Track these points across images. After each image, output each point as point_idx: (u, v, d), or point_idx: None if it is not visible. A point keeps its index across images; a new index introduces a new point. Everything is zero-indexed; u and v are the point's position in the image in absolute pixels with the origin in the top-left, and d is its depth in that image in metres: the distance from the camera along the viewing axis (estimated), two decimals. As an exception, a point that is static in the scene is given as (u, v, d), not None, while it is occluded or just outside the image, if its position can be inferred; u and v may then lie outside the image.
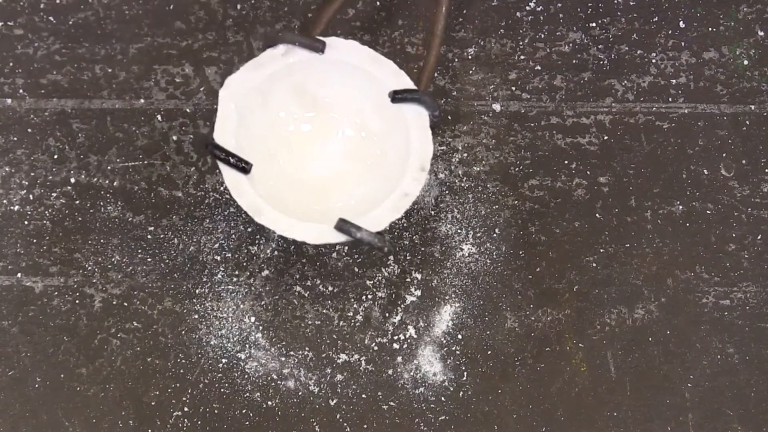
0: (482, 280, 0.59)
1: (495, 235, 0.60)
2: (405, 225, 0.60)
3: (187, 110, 0.62)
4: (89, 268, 0.59)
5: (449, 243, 0.59)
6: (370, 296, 0.58)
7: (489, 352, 0.57)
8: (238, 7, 0.65)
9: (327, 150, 0.55)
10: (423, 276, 0.59)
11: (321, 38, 0.53)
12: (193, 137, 0.62)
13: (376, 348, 0.57)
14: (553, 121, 0.62)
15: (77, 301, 0.58)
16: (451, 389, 0.57)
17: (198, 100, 0.63)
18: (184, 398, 0.56)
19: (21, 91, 0.63)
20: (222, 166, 0.50)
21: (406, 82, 0.53)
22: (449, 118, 0.62)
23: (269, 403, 0.56)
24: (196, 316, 0.58)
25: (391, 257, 0.59)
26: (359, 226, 0.49)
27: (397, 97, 0.52)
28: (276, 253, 0.59)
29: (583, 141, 0.62)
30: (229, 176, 0.50)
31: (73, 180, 0.61)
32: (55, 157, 0.61)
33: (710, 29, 0.64)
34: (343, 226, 0.49)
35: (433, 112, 0.52)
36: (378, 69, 0.53)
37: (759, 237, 0.60)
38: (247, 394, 0.57)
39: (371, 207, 0.51)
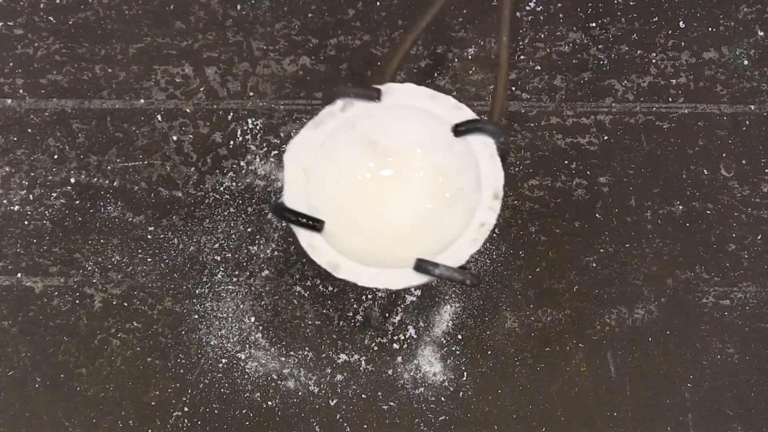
0: (482, 280, 0.59)
1: (495, 235, 0.60)
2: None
3: (187, 110, 0.62)
4: (89, 268, 0.59)
5: (449, 243, 0.59)
6: (370, 296, 0.58)
7: (489, 352, 0.57)
8: (238, 7, 0.65)
9: (404, 196, 0.54)
10: (423, 276, 0.59)
11: (376, 86, 0.52)
12: (192, 137, 0.62)
13: (376, 348, 0.57)
14: (553, 121, 0.62)
15: (77, 301, 0.58)
16: (451, 389, 0.57)
17: (198, 100, 0.63)
18: (184, 398, 0.56)
19: (21, 91, 0.63)
20: (295, 228, 0.50)
21: (467, 114, 0.52)
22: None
23: (269, 403, 0.56)
24: (196, 316, 0.58)
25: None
26: (436, 263, 0.48)
27: (460, 129, 0.51)
28: (276, 253, 0.59)
29: (583, 141, 0.62)
30: (304, 237, 0.50)
31: (73, 180, 0.61)
32: (55, 157, 0.61)
33: (710, 29, 0.64)
34: (421, 265, 0.48)
35: (498, 138, 0.51)
36: (437, 106, 0.52)
37: (759, 237, 0.60)
38: (247, 394, 0.57)
39: (451, 243, 0.51)
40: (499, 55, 0.54)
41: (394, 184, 0.54)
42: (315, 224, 0.49)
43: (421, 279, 0.49)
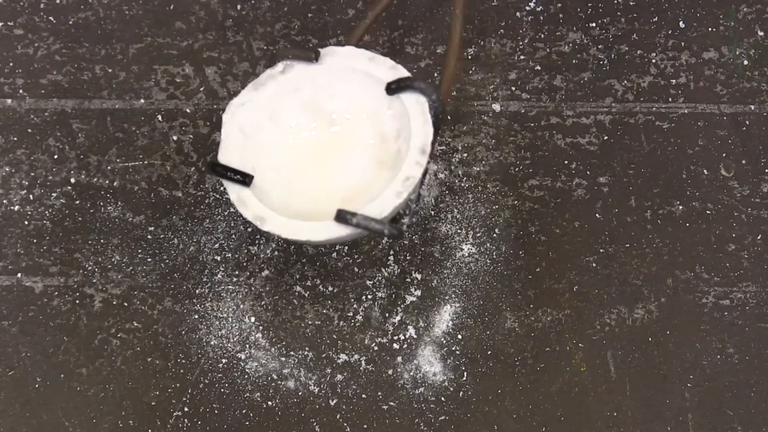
0: (482, 280, 0.59)
1: (495, 235, 0.60)
2: (405, 225, 0.60)
3: (187, 110, 0.62)
4: (89, 268, 0.59)
5: (449, 243, 0.59)
6: (370, 296, 0.58)
7: (489, 352, 0.57)
8: (238, 7, 0.65)
9: (345, 160, 0.55)
10: (423, 276, 0.59)
11: (314, 48, 0.53)
12: (193, 137, 0.62)
13: (376, 348, 0.57)
14: (553, 121, 0.62)
15: (77, 301, 0.58)
16: (451, 389, 0.57)
17: (198, 100, 0.63)
18: (184, 398, 0.56)
19: (21, 91, 0.63)
20: (225, 182, 0.51)
21: (403, 74, 0.53)
22: (449, 118, 0.62)
23: (269, 403, 0.56)
24: (196, 316, 0.58)
25: (392, 257, 0.59)
26: (354, 212, 0.48)
27: (393, 87, 0.52)
28: (276, 253, 0.59)
29: (583, 141, 0.62)
30: (234, 191, 0.51)
31: (73, 180, 0.61)
32: (55, 157, 0.61)
33: (710, 29, 0.64)
34: (341, 215, 0.49)
35: (430, 96, 0.52)
36: (376, 67, 0.53)
37: (759, 237, 0.60)
38: (247, 394, 0.56)
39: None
40: (451, 28, 0.55)
41: (336, 148, 0.55)
42: (244, 179, 0.51)
43: (342, 231, 0.49)
